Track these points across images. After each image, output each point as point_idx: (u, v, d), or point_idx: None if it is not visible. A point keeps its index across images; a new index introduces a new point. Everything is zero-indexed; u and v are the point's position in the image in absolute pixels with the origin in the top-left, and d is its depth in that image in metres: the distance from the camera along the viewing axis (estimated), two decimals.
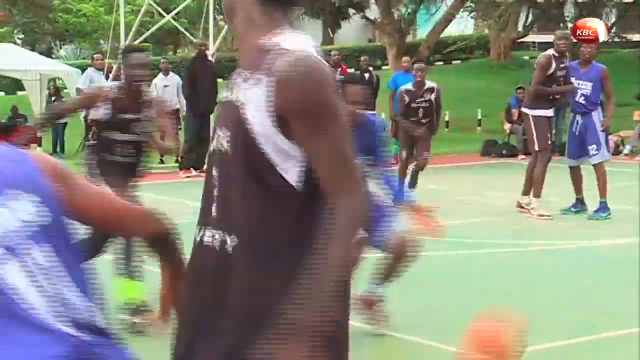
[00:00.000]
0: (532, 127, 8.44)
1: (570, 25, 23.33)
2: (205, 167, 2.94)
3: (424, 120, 8.98)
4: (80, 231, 1.88)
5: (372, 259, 4.64)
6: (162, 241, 2.00)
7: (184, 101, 12.65)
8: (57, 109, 7.37)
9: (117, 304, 4.68)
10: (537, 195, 8.46)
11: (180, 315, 2.04)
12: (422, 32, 28.93)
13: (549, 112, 8.51)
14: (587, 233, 7.70)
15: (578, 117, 8.59)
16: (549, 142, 8.50)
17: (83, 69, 14.92)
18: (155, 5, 14.85)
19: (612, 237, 7.45)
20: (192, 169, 11.84)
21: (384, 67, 22.08)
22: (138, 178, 4.98)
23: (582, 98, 8.48)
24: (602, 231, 7.73)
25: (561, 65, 8.36)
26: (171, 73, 13.75)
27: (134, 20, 15.47)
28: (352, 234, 1.88)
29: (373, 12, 26.37)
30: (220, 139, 1.93)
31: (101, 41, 29.99)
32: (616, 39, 26.31)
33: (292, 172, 1.88)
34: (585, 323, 4.89)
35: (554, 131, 8.73)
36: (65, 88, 16.88)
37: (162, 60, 14.63)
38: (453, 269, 6.38)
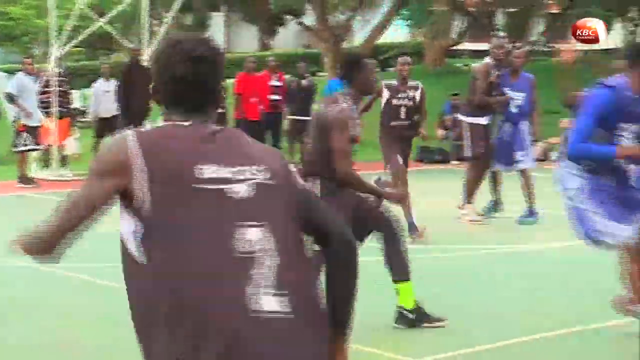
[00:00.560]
0: (467, 134, 8.59)
1: (501, 33, 23.86)
2: None
3: (406, 122, 7.95)
4: None
5: None
6: None
7: None
8: None
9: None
10: (469, 201, 8.61)
11: None
12: (358, 39, 29.13)
13: (485, 120, 8.66)
14: (521, 237, 7.86)
15: (507, 125, 8.75)
16: (486, 150, 8.63)
17: (11, 73, 14.57)
18: (88, 10, 14.59)
19: (544, 241, 7.62)
20: None
21: (319, 74, 22.16)
22: None
23: (517, 108, 8.66)
24: (535, 235, 7.91)
25: (496, 74, 8.53)
26: (111, 79, 13.54)
27: (66, 24, 15.17)
28: None
29: (309, 18, 26.46)
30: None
31: (32, 45, 29.33)
32: (544, 48, 27.04)
33: None
34: (524, 324, 4.98)
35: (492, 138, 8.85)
36: None
37: (102, 65, 14.39)
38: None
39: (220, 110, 12.32)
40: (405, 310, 4.88)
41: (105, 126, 12.91)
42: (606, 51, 27.98)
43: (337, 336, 1.87)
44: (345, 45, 24.99)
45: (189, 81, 1.92)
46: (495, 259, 7.05)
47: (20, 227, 1.94)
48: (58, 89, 12.68)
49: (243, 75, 13.81)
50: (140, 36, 14.43)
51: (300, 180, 1.97)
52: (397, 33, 29.94)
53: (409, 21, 26.77)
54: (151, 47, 13.80)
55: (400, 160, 7.90)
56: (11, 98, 12.27)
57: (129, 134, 1.87)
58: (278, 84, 14.07)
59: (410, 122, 8.00)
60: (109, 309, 5.06)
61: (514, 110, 8.65)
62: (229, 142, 1.94)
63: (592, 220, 4.40)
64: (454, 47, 29.55)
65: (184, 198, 1.78)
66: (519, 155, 8.67)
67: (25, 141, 12.06)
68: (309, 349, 1.75)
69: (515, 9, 23.26)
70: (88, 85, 16.32)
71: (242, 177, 1.84)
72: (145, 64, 12.88)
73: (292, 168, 2.00)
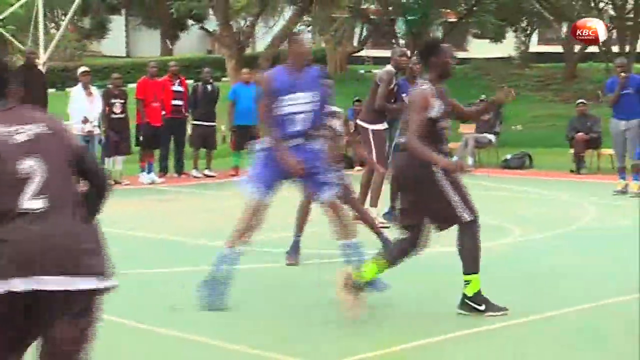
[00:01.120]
0: (371, 140, 8.69)
1: (402, 41, 24.34)
2: None
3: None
4: None
5: None
6: None
7: None
8: None
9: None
10: (374, 205, 8.72)
11: None
12: (261, 45, 29.11)
13: (385, 125, 8.81)
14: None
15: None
16: (386, 156, 8.76)
17: None
18: None
19: (444, 245, 7.75)
20: None
21: (223, 79, 22.03)
22: None
23: None
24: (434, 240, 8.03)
25: (395, 81, 8.69)
26: None
27: None
28: None
29: (212, 23, 26.27)
30: None
31: None
32: None
33: None
34: (415, 327, 5.06)
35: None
36: None
37: None
38: (293, 279, 6.44)
39: (120, 116, 12.04)
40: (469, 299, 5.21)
41: None
42: (500, 59, 28.99)
43: (89, 216, 2.93)
44: (248, 51, 24.94)
45: None
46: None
47: None
48: None
49: (145, 80, 13.57)
50: (36, 39, 14.00)
51: (75, 141, 3.00)
52: None
53: (311, 27, 26.96)
54: (48, 50, 13.41)
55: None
56: None
57: None
58: (180, 89, 13.91)
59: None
60: None
61: None
62: (17, 112, 2.93)
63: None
64: (356, 54, 29.96)
65: None
66: None
67: None
68: (62, 225, 2.78)
69: (415, 17, 23.76)
70: None
71: (23, 131, 2.86)
72: (40, 67, 12.48)
73: (69, 130, 3.02)
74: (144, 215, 9.96)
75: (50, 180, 2.79)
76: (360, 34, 29.79)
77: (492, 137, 15.58)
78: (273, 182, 5.57)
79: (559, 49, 27.72)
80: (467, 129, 16.03)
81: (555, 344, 4.75)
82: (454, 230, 5.25)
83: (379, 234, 6.85)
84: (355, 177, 12.28)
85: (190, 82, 15.35)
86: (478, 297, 5.21)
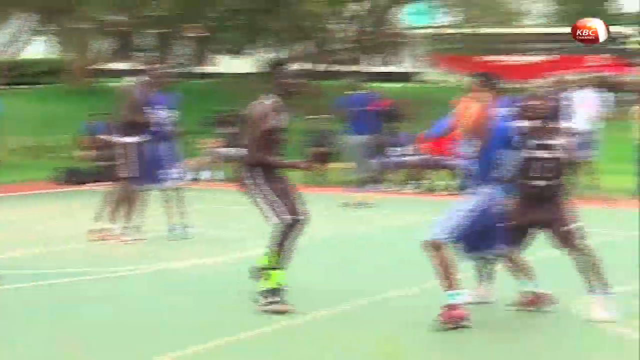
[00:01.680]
0: (120, 153, 8.51)
1: (150, 54, 23.99)
2: None
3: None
4: None
5: None
6: None
7: None
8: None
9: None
10: (118, 220, 8.55)
11: None
12: None
13: (138, 139, 8.66)
14: (172, 255, 7.95)
15: (157, 143, 8.80)
16: (138, 170, 8.62)
17: None
18: None
19: (197, 257, 7.82)
20: None
21: None
22: None
23: (166, 127, 8.78)
24: (185, 253, 8.06)
25: (146, 94, 8.60)
26: None
27: None
28: None
29: None
30: None
31: None
32: (189, 70, 27.84)
33: None
34: (181, 336, 5.06)
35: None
36: None
37: None
38: (37, 300, 6.14)
39: None
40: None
41: None
42: (242, 75, 29.62)
43: None
44: None
45: None
46: (143, 279, 7.03)
47: None
48: None
49: None
50: None
51: None
52: (39, 49, 28.65)
53: (49, 37, 25.77)
54: None
55: None
56: None
57: None
58: None
59: None
60: None
61: (163, 128, 8.79)
62: None
63: None
64: (98, 66, 29.07)
65: None
66: (168, 173, 8.83)
67: None
68: None
69: (161, 31, 23.63)
70: None
71: None
72: None
73: None
74: None
75: None
76: (103, 46, 28.95)
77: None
78: None
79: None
80: (215, 144, 16.15)
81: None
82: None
83: None
84: (93, 192, 11.95)
85: None
86: (274, 291, 5.64)
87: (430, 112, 11.19)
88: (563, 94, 12.71)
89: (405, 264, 7.40)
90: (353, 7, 24.53)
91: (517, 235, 5.63)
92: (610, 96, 14.82)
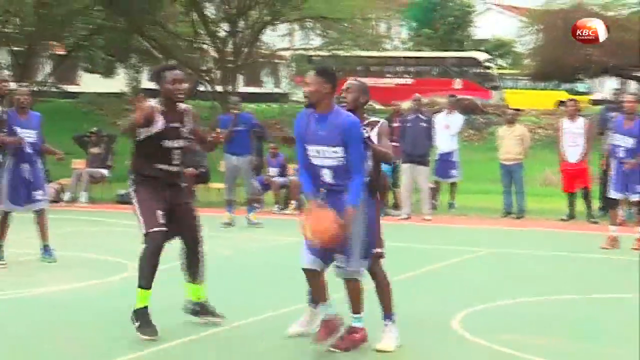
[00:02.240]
0: None
1: (6, 71, 23.05)
2: None
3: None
4: None
5: None
6: None
7: None
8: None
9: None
10: None
11: None
12: None
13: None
14: (36, 281, 7.60)
15: (22, 164, 8.45)
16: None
17: None
18: None
19: (68, 282, 7.48)
20: None
21: None
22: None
23: (30, 147, 8.42)
24: (58, 276, 7.72)
25: (4, 111, 8.28)
26: None
27: None
28: None
29: None
30: None
31: None
32: (53, 89, 26.99)
33: None
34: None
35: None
36: None
37: None
38: None
39: None
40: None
41: None
42: (113, 94, 28.99)
43: None
44: None
45: None
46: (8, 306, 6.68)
47: None
48: None
49: None
50: None
51: None
52: None
53: None
54: None
55: None
56: None
57: None
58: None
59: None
60: None
61: (28, 149, 8.43)
62: None
63: None
64: None
65: None
66: (37, 194, 8.48)
67: None
68: None
69: (21, 48, 22.79)
70: None
71: None
72: None
73: None
74: None
75: None
76: None
77: (104, 171, 15.46)
78: None
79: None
80: (79, 164, 15.69)
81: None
82: None
83: None
84: None
85: None
86: (139, 313, 5.39)
87: None
88: (426, 116, 13.17)
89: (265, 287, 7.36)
90: (225, 28, 24.44)
91: None
92: (473, 118, 15.40)
